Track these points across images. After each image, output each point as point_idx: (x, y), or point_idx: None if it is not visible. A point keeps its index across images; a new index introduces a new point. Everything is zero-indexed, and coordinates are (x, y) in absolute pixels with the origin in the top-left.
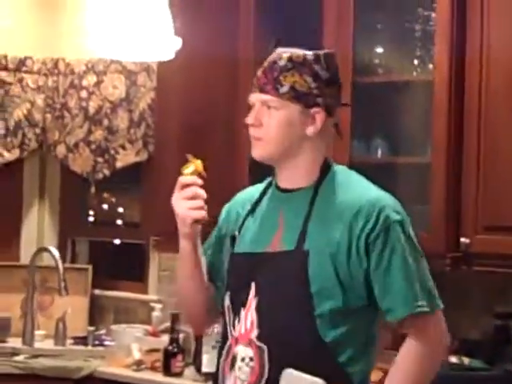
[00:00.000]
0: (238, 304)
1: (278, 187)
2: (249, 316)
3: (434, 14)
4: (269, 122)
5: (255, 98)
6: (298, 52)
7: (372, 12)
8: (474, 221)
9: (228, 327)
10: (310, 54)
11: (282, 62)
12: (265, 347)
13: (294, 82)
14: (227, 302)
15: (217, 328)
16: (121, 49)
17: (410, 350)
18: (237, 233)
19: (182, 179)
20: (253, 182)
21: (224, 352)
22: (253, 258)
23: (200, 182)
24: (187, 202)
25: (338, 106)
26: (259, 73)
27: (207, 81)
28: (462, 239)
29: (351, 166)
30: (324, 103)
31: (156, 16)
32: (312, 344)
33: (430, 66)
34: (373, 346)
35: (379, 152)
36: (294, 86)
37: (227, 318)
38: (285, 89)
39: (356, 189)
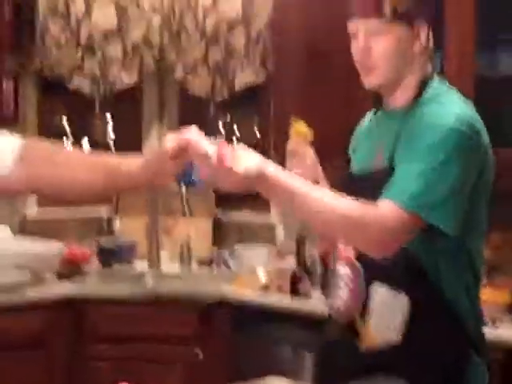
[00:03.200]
0: None
1: (382, 108)
2: None
3: None
4: (377, 48)
5: (358, 25)
6: None
7: None
8: None
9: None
10: None
11: None
12: (361, 268)
13: (394, 3)
14: None
15: None
16: None
17: (361, 206)
18: (350, 155)
19: (288, 145)
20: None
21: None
22: (358, 179)
23: (303, 143)
24: (296, 169)
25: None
26: (357, 1)
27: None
28: None
29: (475, 80)
30: (425, 16)
31: None
32: (405, 264)
33: None
34: (472, 271)
35: (505, 64)
36: (396, 7)
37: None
38: (387, 10)
39: (442, 104)
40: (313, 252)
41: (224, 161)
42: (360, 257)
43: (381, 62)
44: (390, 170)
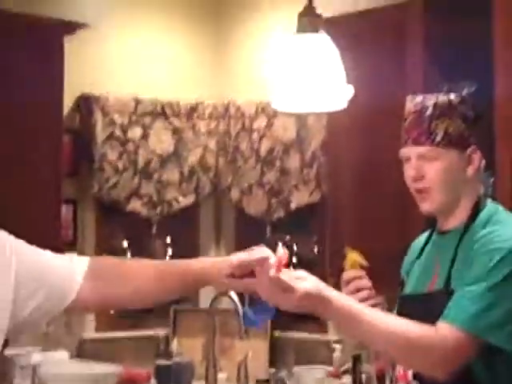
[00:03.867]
0: None
1: (437, 230)
2: None
3: None
4: (430, 173)
5: (411, 151)
6: (442, 97)
7: None
8: None
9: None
10: (453, 96)
11: (429, 111)
12: None
13: (446, 128)
14: None
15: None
16: (294, 100)
17: (421, 328)
18: (405, 277)
19: (344, 275)
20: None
21: None
22: (413, 299)
23: (361, 273)
24: (353, 296)
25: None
26: (408, 125)
27: (377, 123)
28: None
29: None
30: (476, 141)
31: (329, 65)
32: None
33: None
34: None
35: None
36: (448, 132)
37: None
38: (439, 137)
39: (501, 224)
40: (369, 370)
41: (282, 262)
42: (418, 376)
43: (434, 187)
44: (445, 293)
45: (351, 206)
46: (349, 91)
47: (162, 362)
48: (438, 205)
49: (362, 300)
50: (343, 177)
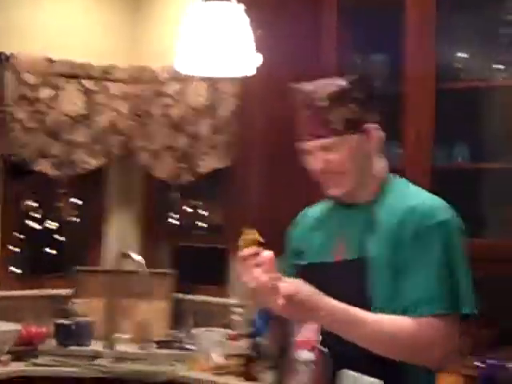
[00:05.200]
0: None
1: (340, 201)
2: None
3: None
4: (336, 161)
5: (313, 145)
6: (332, 86)
7: (454, 17)
8: None
9: (293, 332)
10: (344, 83)
11: (323, 103)
12: (327, 351)
13: (342, 116)
14: None
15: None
16: (204, 65)
17: (403, 323)
18: (303, 247)
19: (240, 253)
20: None
21: (286, 357)
22: (317, 269)
23: (257, 249)
24: (249, 274)
25: (380, 115)
26: (304, 119)
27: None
28: None
29: (432, 172)
30: (372, 119)
31: (238, 31)
32: None
33: None
34: None
35: (461, 157)
36: (344, 119)
37: (290, 325)
38: (337, 125)
39: (404, 192)
40: (267, 335)
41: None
42: (324, 342)
43: (342, 175)
44: (361, 261)
45: (260, 173)
46: (257, 59)
47: (62, 321)
48: (348, 189)
49: (262, 274)
50: (254, 144)
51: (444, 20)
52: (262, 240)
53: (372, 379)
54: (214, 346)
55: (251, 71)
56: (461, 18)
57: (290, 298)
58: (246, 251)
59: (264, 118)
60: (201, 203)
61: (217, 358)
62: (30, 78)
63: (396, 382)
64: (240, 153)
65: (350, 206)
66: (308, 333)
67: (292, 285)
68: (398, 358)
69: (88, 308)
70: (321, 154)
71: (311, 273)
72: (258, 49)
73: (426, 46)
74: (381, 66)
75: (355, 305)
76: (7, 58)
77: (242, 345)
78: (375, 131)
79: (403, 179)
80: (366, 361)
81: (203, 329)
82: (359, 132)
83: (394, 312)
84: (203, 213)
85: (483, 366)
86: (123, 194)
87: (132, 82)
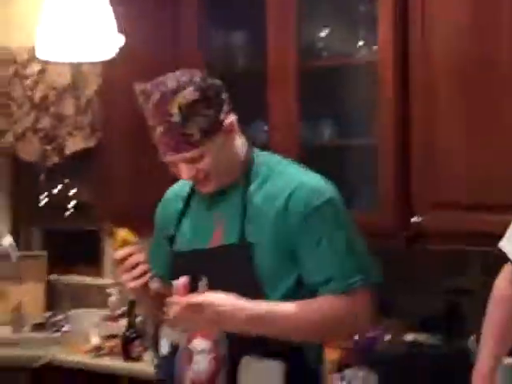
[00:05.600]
0: None
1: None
2: None
3: None
4: (203, 169)
5: (175, 158)
6: (180, 97)
7: None
8: (424, 199)
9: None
10: (191, 91)
11: (175, 118)
12: (223, 338)
13: (197, 125)
14: None
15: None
16: (64, 50)
17: (324, 300)
18: (173, 232)
19: (115, 255)
20: None
21: (183, 347)
22: (196, 255)
23: (132, 249)
24: (127, 275)
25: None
26: (160, 136)
27: (151, 71)
28: (413, 218)
29: (300, 149)
30: (227, 111)
31: (98, 14)
32: None
33: (375, 47)
34: None
35: (327, 134)
36: (201, 127)
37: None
38: (196, 137)
39: (283, 175)
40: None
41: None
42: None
43: (212, 175)
44: (243, 245)
45: (125, 152)
46: (119, 40)
47: None
48: (221, 184)
49: (139, 275)
50: (118, 123)
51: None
52: (134, 239)
53: (272, 362)
54: (91, 327)
55: (113, 53)
56: None
57: (199, 309)
58: (121, 253)
59: (127, 97)
60: (69, 183)
61: (95, 339)
62: None
63: (293, 358)
64: (104, 133)
65: (218, 191)
66: None
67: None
68: (325, 339)
69: None
70: (185, 165)
71: (186, 260)
72: (120, 30)
73: (288, 23)
74: (243, 44)
75: (245, 292)
76: None
77: (120, 325)
78: (230, 125)
79: (266, 154)
80: (261, 341)
81: (80, 310)
82: (218, 133)
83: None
84: (72, 194)
85: (361, 338)
86: None
87: None
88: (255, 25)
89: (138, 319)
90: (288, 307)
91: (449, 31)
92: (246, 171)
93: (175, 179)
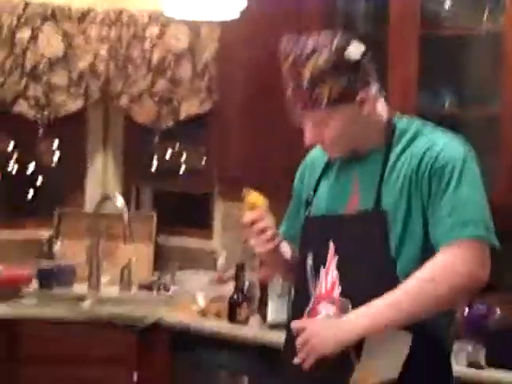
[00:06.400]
0: (318, 263)
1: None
2: (329, 275)
3: None
4: (327, 134)
5: (302, 118)
6: (312, 63)
7: None
8: None
9: (310, 286)
10: (324, 56)
11: (305, 82)
12: (349, 303)
13: (329, 91)
14: (310, 262)
15: (280, 277)
16: (186, 7)
17: (435, 259)
18: (311, 196)
19: (244, 218)
20: None
21: (307, 311)
22: (330, 220)
23: (261, 213)
24: (256, 239)
25: (370, 72)
26: (290, 95)
27: (270, 35)
28: None
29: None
30: (362, 84)
31: None
32: None
33: (500, 17)
34: None
35: (447, 103)
36: (331, 93)
37: (309, 277)
38: (325, 100)
39: (424, 138)
40: (252, 278)
41: None
42: (345, 293)
43: (335, 143)
44: (377, 213)
45: (241, 118)
46: (241, 2)
47: (44, 263)
48: (345, 152)
49: (267, 240)
50: (234, 89)
51: None
52: (264, 202)
53: (399, 331)
54: (198, 288)
55: (235, 15)
56: None
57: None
58: (250, 216)
59: (244, 63)
60: (182, 147)
61: (202, 301)
62: (7, 19)
63: (420, 329)
64: (221, 97)
65: (360, 154)
66: (327, 284)
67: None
68: (458, 297)
69: (70, 250)
70: (311, 128)
71: (319, 225)
72: None
73: None
74: (366, 10)
75: (373, 260)
76: None
77: (227, 288)
78: (367, 96)
79: (409, 121)
80: None
81: (187, 272)
82: (349, 102)
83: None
84: (184, 157)
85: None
86: (103, 137)
87: (111, 24)
88: None
89: (246, 283)
90: (400, 288)
91: None
92: (388, 136)
93: (291, 147)
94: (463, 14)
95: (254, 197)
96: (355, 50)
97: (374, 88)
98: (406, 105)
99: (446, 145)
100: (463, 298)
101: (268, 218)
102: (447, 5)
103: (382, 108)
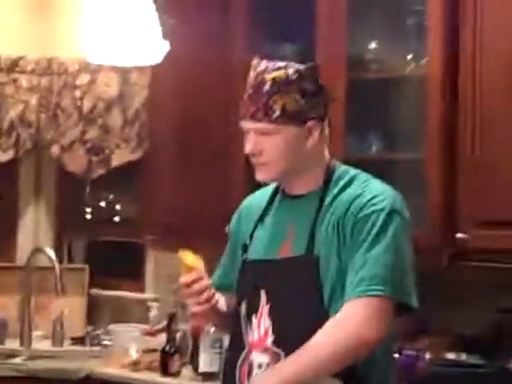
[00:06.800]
0: (250, 311)
1: (284, 193)
2: (262, 323)
3: (426, 8)
4: (268, 147)
5: (249, 126)
6: (279, 72)
7: (365, 7)
8: (470, 216)
9: (243, 335)
10: (291, 71)
11: (267, 87)
12: (281, 352)
13: (284, 104)
14: (243, 310)
15: (213, 328)
16: (110, 54)
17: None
18: (248, 241)
19: (181, 280)
20: (250, 186)
21: (240, 360)
22: (262, 265)
23: (198, 274)
24: (194, 299)
25: (327, 109)
26: (246, 99)
27: (200, 81)
28: (459, 235)
29: (346, 162)
30: (316, 114)
31: (144, 19)
32: None
33: (424, 60)
34: (389, 342)
35: (374, 147)
36: (285, 108)
37: (243, 326)
38: (277, 113)
39: (354, 187)
40: (184, 329)
41: None
42: (277, 342)
43: (272, 160)
44: (309, 258)
45: (172, 165)
46: (164, 46)
47: None
48: (276, 175)
49: (205, 301)
50: (166, 135)
51: (354, 10)
52: (200, 264)
53: (330, 379)
54: (130, 341)
55: (158, 59)
56: (371, 8)
57: None
58: (188, 278)
59: (175, 108)
60: (114, 196)
61: (134, 353)
62: None
63: (353, 379)
64: (152, 144)
65: (296, 197)
66: (260, 332)
67: None
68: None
69: (1, 305)
70: (255, 137)
71: (253, 270)
72: (166, 36)
73: (337, 37)
74: (292, 56)
75: (308, 303)
76: None
77: (159, 340)
78: (317, 126)
79: (348, 167)
80: None
81: (120, 324)
82: (298, 124)
83: None
84: (117, 206)
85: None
86: (35, 187)
87: (41, 73)
88: (304, 36)
89: (178, 334)
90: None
91: (501, 42)
92: (326, 180)
93: (222, 195)
94: (388, 56)
95: (191, 258)
96: (321, 85)
97: (325, 128)
98: (333, 149)
99: (374, 195)
100: (352, 359)
101: (205, 279)
102: (372, 47)
103: (323, 151)
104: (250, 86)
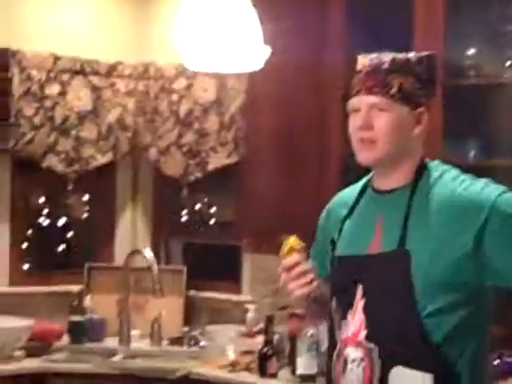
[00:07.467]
0: (345, 306)
1: (374, 188)
2: (356, 317)
3: None
4: (380, 124)
5: (362, 101)
6: (399, 55)
7: (462, 14)
8: None
9: (336, 330)
10: (412, 56)
11: (386, 65)
12: (374, 347)
13: (401, 84)
14: (334, 305)
15: (311, 331)
16: (211, 60)
17: None
18: (336, 236)
19: (282, 263)
20: (345, 185)
21: (334, 355)
22: (355, 261)
23: (299, 257)
24: (294, 283)
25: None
26: (363, 76)
27: (297, 85)
28: None
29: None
30: (427, 103)
31: (245, 25)
32: (420, 343)
33: None
34: (482, 343)
35: (471, 153)
36: (402, 87)
37: (335, 321)
38: (394, 90)
39: (455, 184)
40: (281, 331)
41: None
42: (370, 337)
43: (381, 138)
44: (402, 253)
45: (269, 168)
46: (265, 51)
47: (75, 318)
48: (383, 155)
49: (306, 283)
50: (262, 140)
51: (452, 17)
52: (301, 247)
53: (422, 373)
54: (228, 342)
55: (259, 65)
56: (468, 15)
57: None
58: (288, 261)
59: (271, 113)
60: (210, 199)
61: (232, 354)
62: (37, 75)
63: (445, 376)
64: (249, 148)
65: (387, 192)
66: (353, 328)
67: None
68: None
69: (100, 305)
70: (367, 112)
71: (345, 266)
72: (266, 42)
73: (434, 44)
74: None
75: (400, 298)
76: (14, 54)
77: (257, 341)
78: (426, 116)
79: (440, 163)
80: (413, 355)
81: (217, 326)
82: (411, 107)
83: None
84: (212, 209)
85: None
86: (132, 190)
87: (138, 78)
88: (400, 44)
89: (275, 336)
90: None
91: None
92: (417, 175)
93: (318, 194)
94: (486, 62)
95: (292, 241)
96: (432, 64)
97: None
98: (430, 154)
99: (471, 198)
100: None
101: (305, 262)
102: (470, 54)
103: (421, 142)
104: (366, 66)
